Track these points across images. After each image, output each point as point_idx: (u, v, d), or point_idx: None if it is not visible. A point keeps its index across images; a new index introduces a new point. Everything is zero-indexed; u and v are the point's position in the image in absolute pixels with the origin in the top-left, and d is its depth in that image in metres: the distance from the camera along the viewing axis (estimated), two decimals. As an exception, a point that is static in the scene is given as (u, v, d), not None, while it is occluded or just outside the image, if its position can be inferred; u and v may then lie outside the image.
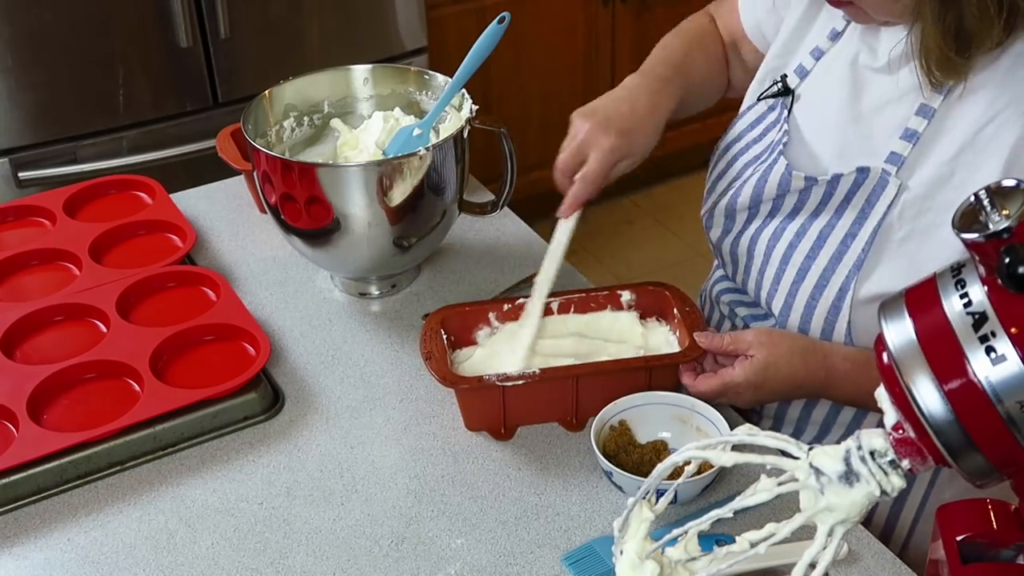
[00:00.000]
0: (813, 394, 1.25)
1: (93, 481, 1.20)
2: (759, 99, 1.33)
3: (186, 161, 2.30)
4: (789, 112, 1.28)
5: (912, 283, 0.74)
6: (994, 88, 1.10)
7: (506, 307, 1.31)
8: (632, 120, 1.29)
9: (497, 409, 1.23)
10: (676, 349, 1.27)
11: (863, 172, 1.17)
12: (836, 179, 1.19)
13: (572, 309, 1.31)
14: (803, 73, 1.29)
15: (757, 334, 1.22)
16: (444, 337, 1.27)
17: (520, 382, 1.19)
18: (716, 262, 1.44)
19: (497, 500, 1.16)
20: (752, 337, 1.21)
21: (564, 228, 1.32)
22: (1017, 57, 1.10)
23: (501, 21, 1.40)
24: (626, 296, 1.32)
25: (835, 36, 1.27)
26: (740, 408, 1.32)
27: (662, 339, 1.29)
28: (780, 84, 1.30)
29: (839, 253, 1.19)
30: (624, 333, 1.30)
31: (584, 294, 1.32)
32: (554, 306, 1.31)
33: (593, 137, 1.27)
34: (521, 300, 1.31)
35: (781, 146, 1.26)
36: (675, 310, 1.29)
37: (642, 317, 1.31)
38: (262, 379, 1.30)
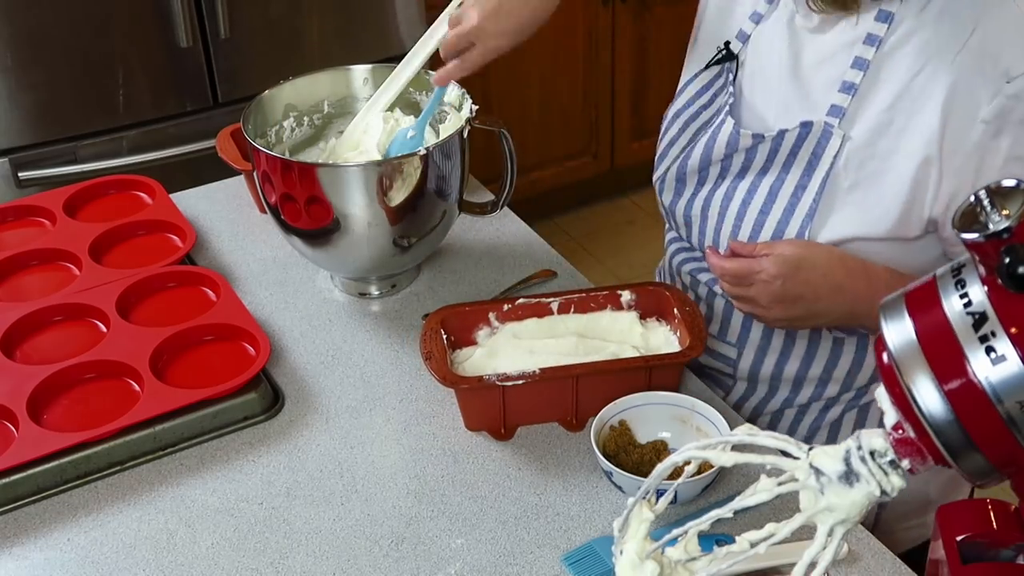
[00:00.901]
0: (854, 304, 1.19)
1: (93, 481, 1.20)
2: (707, 66, 1.36)
3: (186, 161, 2.30)
4: (735, 77, 1.32)
5: (914, 284, 0.74)
6: (923, 37, 1.15)
7: (506, 307, 1.31)
8: (523, 17, 1.33)
9: (497, 409, 1.23)
10: (676, 349, 1.27)
11: (806, 126, 1.21)
12: (781, 134, 1.22)
13: (572, 309, 1.31)
14: (744, 38, 1.33)
15: (791, 240, 1.21)
16: (444, 337, 1.27)
17: (520, 382, 1.19)
18: (670, 234, 1.45)
19: (497, 500, 1.16)
20: (786, 242, 1.21)
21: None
22: (943, 6, 1.15)
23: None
24: (626, 296, 1.32)
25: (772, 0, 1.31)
26: (737, 409, 1.32)
27: (662, 339, 1.29)
28: (724, 50, 1.34)
29: (791, 205, 1.22)
30: (624, 333, 1.30)
31: (584, 294, 1.32)
32: (554, 306, 1.31)
33: (481, 30, 1.31)
34: (522, 300, 1.31)
35: (728, 107, 1.30)
36: (675, 310, 1.29)
37: (642, 317, 1.31)
38: (262, 379, 1.30)
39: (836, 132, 1.19)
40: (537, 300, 1.32)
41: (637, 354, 1.25)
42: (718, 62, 1.34)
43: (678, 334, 1.28)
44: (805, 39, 1.25)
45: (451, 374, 1.22)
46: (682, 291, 1.32)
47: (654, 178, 1.41)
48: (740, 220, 1.27)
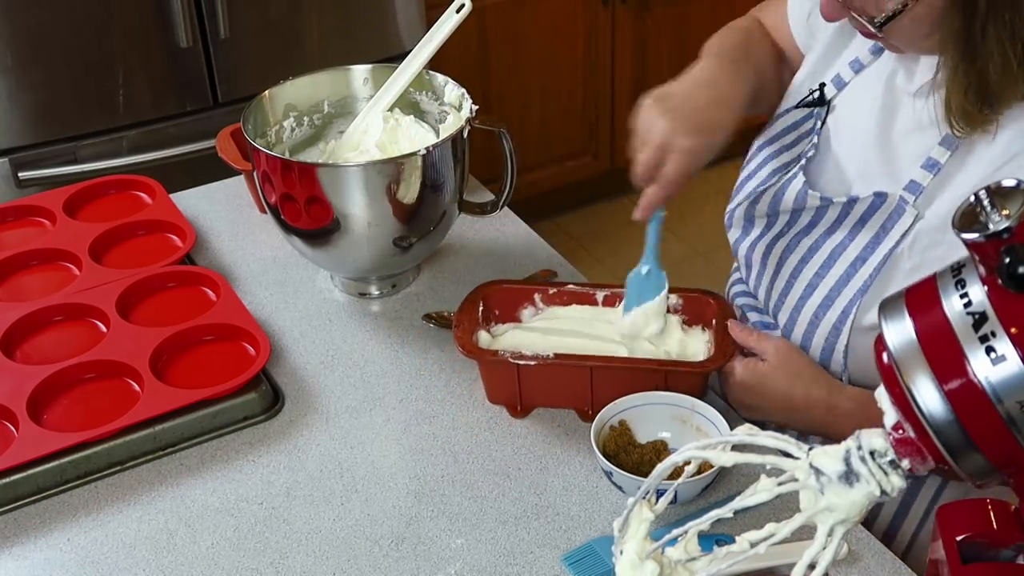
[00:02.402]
0: (808, 427, 1.23)
1: (93, 481, 1.20)
2: (797, 106, 1.31)
3: (186, 161, 2.30)
4: (823, 124, 1.26)
5: (914, 284, 0.74)
6: (1015, 126, 1.09)
7: (552, 291, 1.33)
8: (712, 113, 1.21)
9: (513, 385, 1.25)
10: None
11: (880, 197, 1.16)
12: (852, 202, 1.18)
13: (617, 303, 1.31)
14: (840, 84, 1.27)
15: (779, 344, 1.22)
16: (481, 310, 1.30)
17: (532, 363, 1.21)
18: (735, 263, 1.43)
19: (497, 500, 1.16)
20: (773, 345, 1.21)
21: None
22: None
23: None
24: (672, 300, 1.30)
25: (877, 51, 1.23)
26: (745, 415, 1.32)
27: (701, 347, 1.27)
28: (818, 93, 1.28)
29: (847, 276, 1.18)
30: (661, 335, 1.28)
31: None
32: (599, 297, 1.32)
33: (671, 138, 1.18)
34: (571, 287, 1.33)
35: (804, 160, 1.24)
36: (714, 321, 1.26)
37: (687, 323, 1.29)
38: (262, 379, 1.30)
39: (909, 209, 1.13)
40: (584, 289, 1.33)
41: (668, 358, 1.24)
42: (809, 104, 1.28)
43: (713, 344, 1.25)
44: (902, 102, 1.18)
45: (470, 344, 1.24)
46: (726, 302, 1.28)
47: (726, 210, 1.37)
48: (795, 278, 1.24)
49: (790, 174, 1.26)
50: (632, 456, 1.17)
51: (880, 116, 1.20)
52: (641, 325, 1.27)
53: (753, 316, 1.33)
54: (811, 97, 1.29)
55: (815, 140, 1.26)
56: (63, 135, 2.26)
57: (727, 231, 1.38)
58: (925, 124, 1.15)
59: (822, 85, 1.28)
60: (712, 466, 1.08)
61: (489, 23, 2.87)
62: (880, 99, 1.20)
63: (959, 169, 1.12)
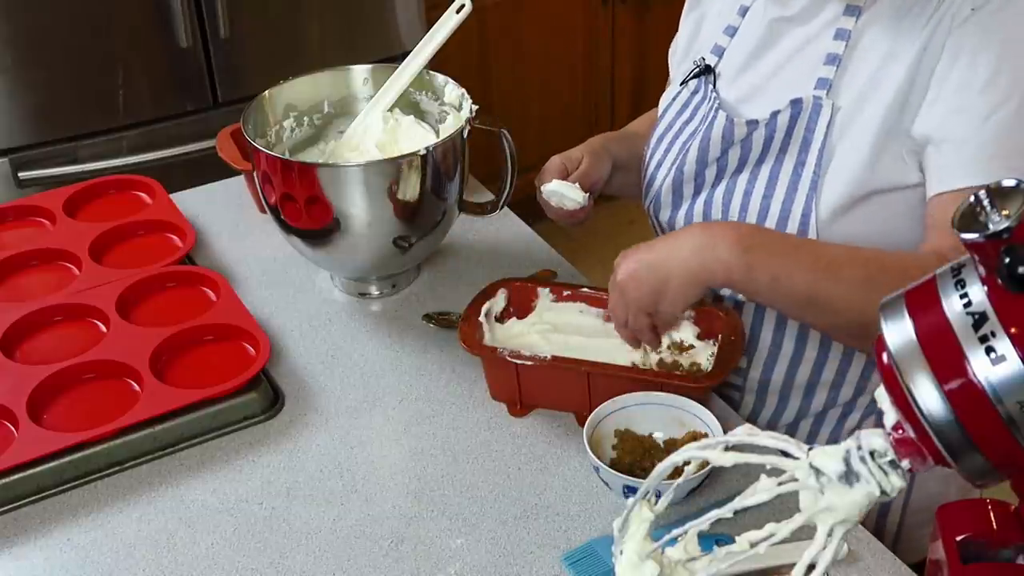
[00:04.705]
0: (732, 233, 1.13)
1: (93, 481, 1.20)
2: (682, 83, 1.37)
3: (186, 161, 2.30)
4: (715, 87, 1.32)
5: (913, 284, 0.74)
6: (889, 19, 1.16)
7: (566, 292, 1.34)
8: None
9: (512, 384, 1.25)
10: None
11: (796, 104, 1.21)
12: (774, 116, 1.22)
13: None
14: (720, 51, 1.33)
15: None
16: (499, 306, 1.31)
17: (529, 363, 1.21)
18: None
19: (497, 500, 1.16)
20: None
21: None
22: None
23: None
24: (686, 312, 1.29)
25: (743, 11, 1.32)
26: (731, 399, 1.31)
27: (705, 360, 1.26)
28: (700, 65, 1.34)
29: (793, 183, 1.22)
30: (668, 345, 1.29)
31: None
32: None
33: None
34: (586, 289, 1.34)
35: (717, 103, 1.29)
36: (720, 335, 1.26)
37: (701, 336, 1.29)
38: (262, 379, 1.30)
39: (825, 103, 1.19)
40: (597, 292, 1.33)
41: (672, 370, 1.24)
42: (696, 76, 1.35)
43: (714, 359, 1.24)
44: (784, 31, 1.26)
45: (471, 339, 1.25)
46: (736, 317, 1.27)
47: (645, 202, 1.40)
48: (744, 212, 1.26)
49: (707, 122, 1.30)
50: (637, 455, 1.17)
51: (767, 50, 1.27)
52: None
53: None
54: (696, 69, 1.35)
55: (715, 95, 1.31)
56: (63, 135, 2.27)
57: (653, 217, 1.40)
58: (814, 36, 1.22)
59: (702, 59, 1.35)
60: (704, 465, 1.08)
61: (489, 23, 2.87)
62: (763, 38, 1.28)
63: (856, 54, 1.19)
